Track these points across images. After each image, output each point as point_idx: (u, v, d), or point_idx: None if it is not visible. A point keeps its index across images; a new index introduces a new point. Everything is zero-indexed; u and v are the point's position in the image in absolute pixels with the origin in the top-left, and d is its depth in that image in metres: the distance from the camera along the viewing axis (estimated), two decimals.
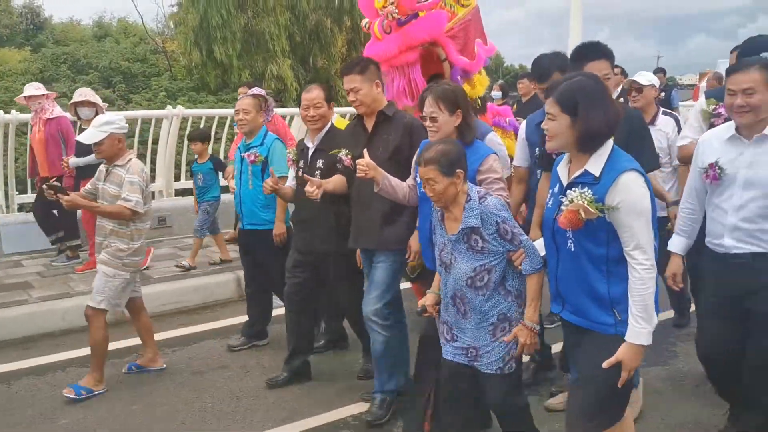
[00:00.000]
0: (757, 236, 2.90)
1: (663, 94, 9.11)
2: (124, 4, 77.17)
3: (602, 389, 2.45)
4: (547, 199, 2.63)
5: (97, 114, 5.47)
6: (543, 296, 2.73)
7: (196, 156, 6.31)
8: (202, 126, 7.98)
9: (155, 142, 7.94)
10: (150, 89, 15.44)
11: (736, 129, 2.95)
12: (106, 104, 6.83)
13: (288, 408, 3.78)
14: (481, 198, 2.73)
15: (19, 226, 6.52)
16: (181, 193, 8.23)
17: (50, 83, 15.38)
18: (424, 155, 2.74)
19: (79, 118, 5.92)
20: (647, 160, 3.09)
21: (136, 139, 8.09)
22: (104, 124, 3.96)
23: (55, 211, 6.06)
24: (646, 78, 4.55)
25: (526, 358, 2.81)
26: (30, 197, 6.94)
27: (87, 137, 3.99)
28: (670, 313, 4.82)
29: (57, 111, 6.13)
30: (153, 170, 7.75)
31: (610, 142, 2.44)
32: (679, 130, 4.32)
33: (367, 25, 4.14)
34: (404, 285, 3.93)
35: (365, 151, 3.23)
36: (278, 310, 4.50)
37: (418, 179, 2.99)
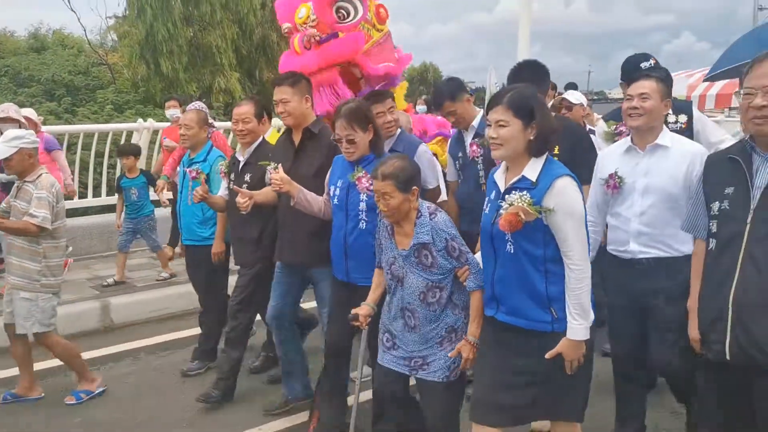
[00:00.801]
0: (661, 241, 3.07)
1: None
2: (58, 15, 74.19)
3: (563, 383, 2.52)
4: (484, 206, 2.69)
5: None
6: None
7: (124, 171, 6.28)
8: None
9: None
10: (95, 102, 15.31)
11: (632, 140, 3.17)
12: (51, 117, 6.67)
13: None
14: (431, 214, 2.79)
15: None
16: None
17: None
18: (381, 170, 2.76)
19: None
20: (586, 174, 3.21)
21: (106, 155, 8.16)
22: (13, 139, 3.83)
23: None
24: (575, 97, 4.79)
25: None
26: None
27: None
28: None
29: None
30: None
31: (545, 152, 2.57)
32: None
33: (287, 31, 4.22)
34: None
35: (280, 166, 3.34)
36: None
37: (338, 191, 3.18)
